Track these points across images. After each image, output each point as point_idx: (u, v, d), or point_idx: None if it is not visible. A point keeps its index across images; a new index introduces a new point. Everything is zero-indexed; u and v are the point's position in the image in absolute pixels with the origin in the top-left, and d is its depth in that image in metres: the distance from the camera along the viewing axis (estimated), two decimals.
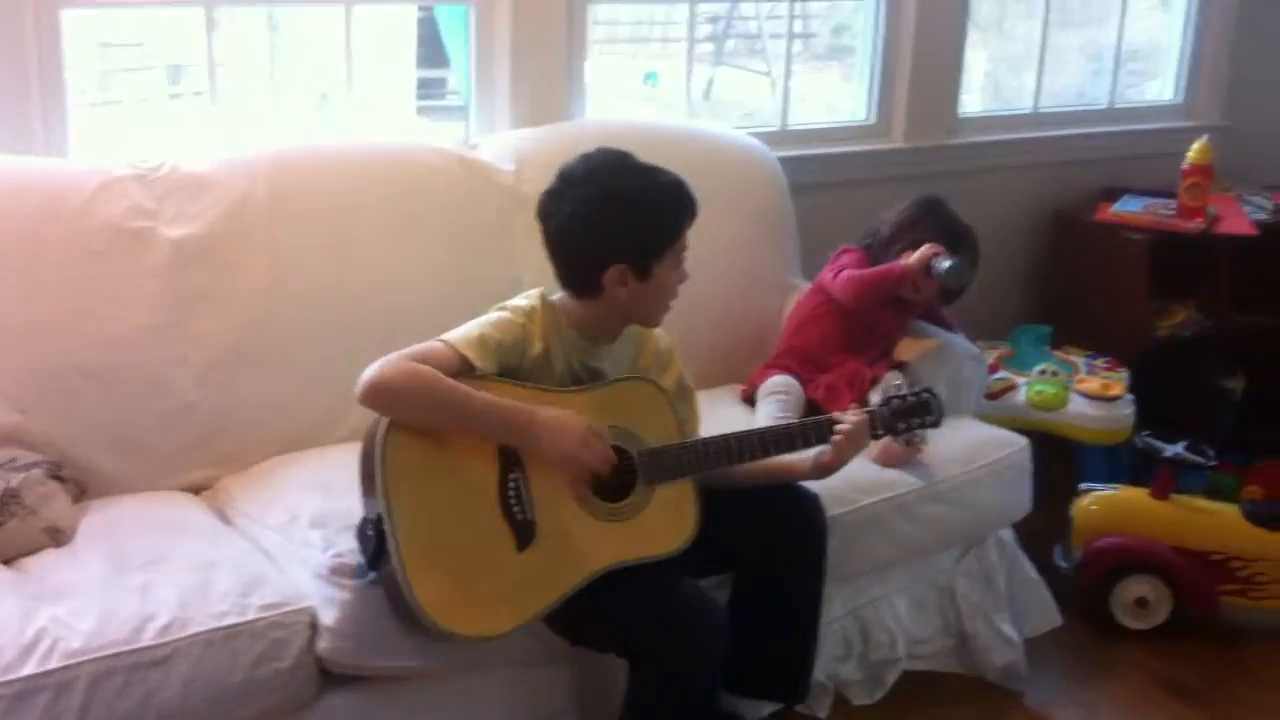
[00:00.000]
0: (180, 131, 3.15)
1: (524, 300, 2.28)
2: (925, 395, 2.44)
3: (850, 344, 2.97)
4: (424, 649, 2.17)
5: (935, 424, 2.47)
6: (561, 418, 2.13)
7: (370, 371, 2.07)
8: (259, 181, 2.69)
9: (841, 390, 2.89)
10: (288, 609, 2.11)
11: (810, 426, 2.37)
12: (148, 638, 1.99)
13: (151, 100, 4.62)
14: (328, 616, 2.12)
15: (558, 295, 2.30)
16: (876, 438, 2.43)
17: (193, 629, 2.02)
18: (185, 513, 2.43)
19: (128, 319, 2.51)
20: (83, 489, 2.42)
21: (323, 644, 2.11)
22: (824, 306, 3.03)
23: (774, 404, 2.83)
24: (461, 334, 2.17)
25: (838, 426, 2.35)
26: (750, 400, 2.96)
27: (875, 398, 2.77)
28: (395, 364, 2.07)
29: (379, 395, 2.07)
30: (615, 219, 2.19)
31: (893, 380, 2.81)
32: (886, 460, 2.71)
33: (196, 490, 2.56)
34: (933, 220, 3.00)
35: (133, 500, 2.44)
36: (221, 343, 2.58)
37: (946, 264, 2.86)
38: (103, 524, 2.32)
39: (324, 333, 2.67)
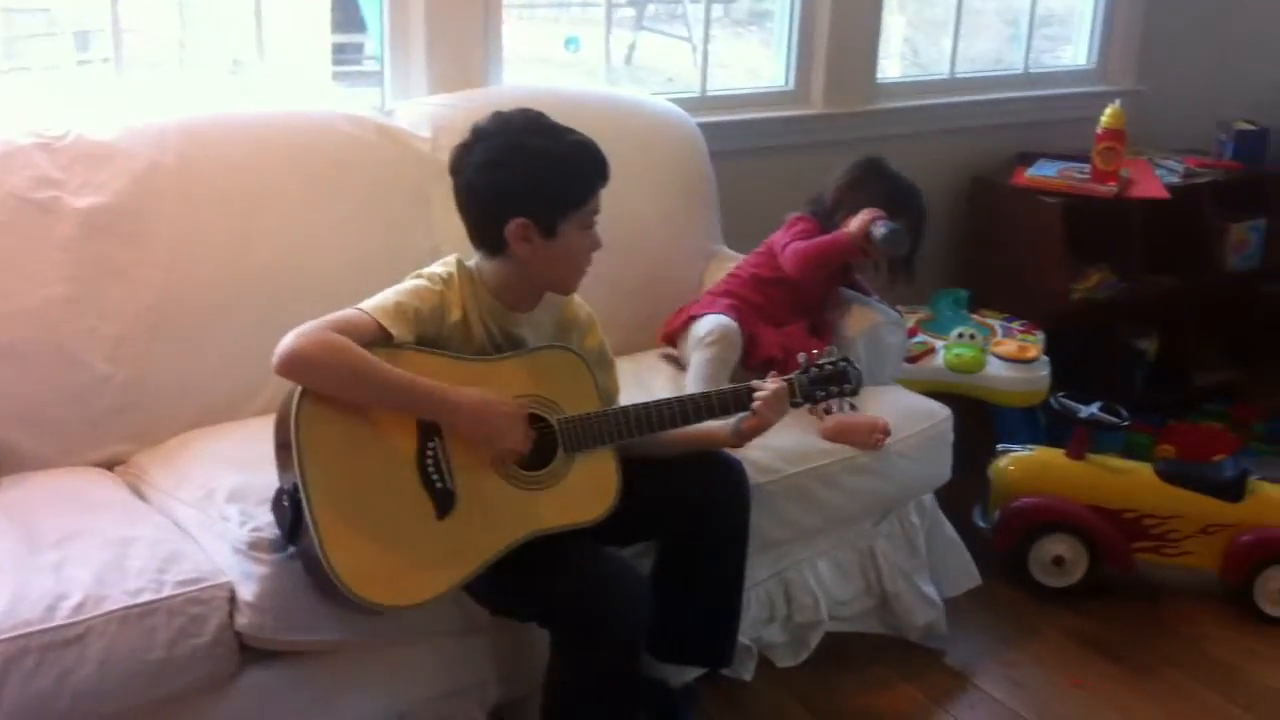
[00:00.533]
0: (88, 99, 3.07)
1: (441, 267, 2.26)
2: (843, 364, 2.45)
3: (799, 307, 2.99)
4: (344, 622, 2.15)
5: (853, 392, 2.48)
6: (480, 401, 2.12)
7: (287, 342, 2.04)
8: (168, 150, 2.63)
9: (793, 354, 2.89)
10: (205, 584, 2.08)
11: (729, 394, 2.37)
12: (61, 616, 1.95)
13: (59, 67, 4.50)
14: (246, 591, 2.09)
15: (473, 261, 2.29)
16: (795, 405, 2.44)
17: (108, 606, 1.99)
18: (99, 489, 2.38)
19: (35, 291, 2.45)
20: None
21: (242, 619, 2.09)
22: (770, 269, 3.02)
23: (705, 356, 2.80)
24: (378, 302, 2.15)
25: (757, 394, 2.35)
26: (670, 340, 2.98)
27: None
28: (313, 335, 2.04)
29: (295, 366, 2.04)
30: (519, 171, 2.18)
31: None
32: (840, 437, 2.72)
33: (110, 466, 2.51)
34: (874, 183, 3.02)
35: (45, 477, 2.39)
36: (132, 314, 2.53)
37: (882, 230, 2.87)
38: (14, 501, 2.27)
39: (237, 304, 2.63)
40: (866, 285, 3.17)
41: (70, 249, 2.49)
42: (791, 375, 2.42)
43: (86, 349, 2.49)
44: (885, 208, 2.94)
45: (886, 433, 2.72)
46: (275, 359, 2.04)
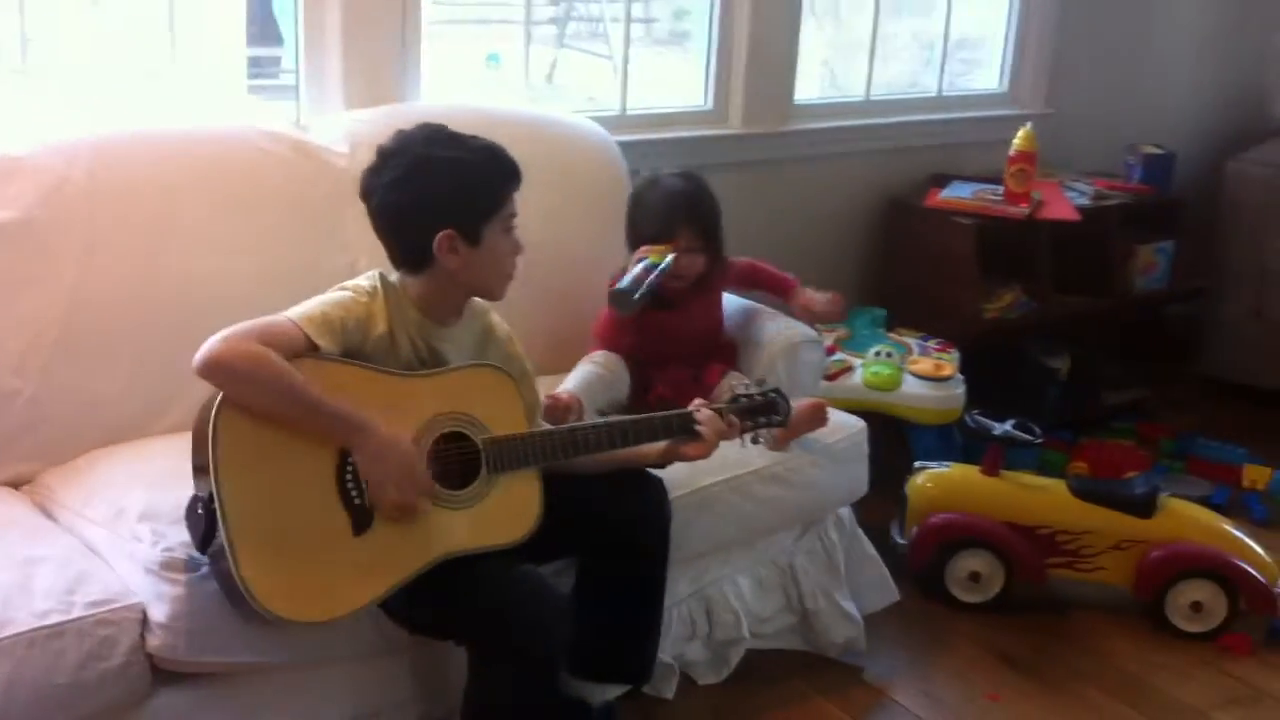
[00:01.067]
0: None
1: (365, 280, 2.24)
2: (773, 395, 2.47)
3: (657, 350, 2.92)
4: (259, 644, 2.12)
5: (782, 423, 2.50)
6: (390, 443, 2.08)
7: (212, 345, 2.01)
8: (77, 165, 2.57)
9: (685, 386, 2.88)
10: (115, 605, 2.03)
11: (667, 420, 2.37)
12: None
13: None
14: (158, 612, 2.05)
15: (395, 276, 2.27)
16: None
17: (14, 629, 1.93)
18: (4, 507, 2.32)
19: None
20: None
21: (153, 641, 2.04)
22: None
23: (586, 374, 2.79)
24: (305, 311, 2.12)
25: (700, 426, 2.36)
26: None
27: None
28: (238, 342, 2.01)
29: (216, 371, 2.01)
30: (436, 183, 2.19)
31: (736, 379, 2.84)
32: (796, 432, 2.72)
33: (16, 484, 2.45)
34: (646, 202, 2.95)
35: None
36: (39, 329, 2.47)
37: (610, 296, 2.75)
38: None
39: (147, 321, 2.57)
40: (787, 280, 3.15)
41: None
42: (721, 405, 2.43)
43: None
44: (653, 233, 2.86)
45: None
46: (197, 360, 2.00)
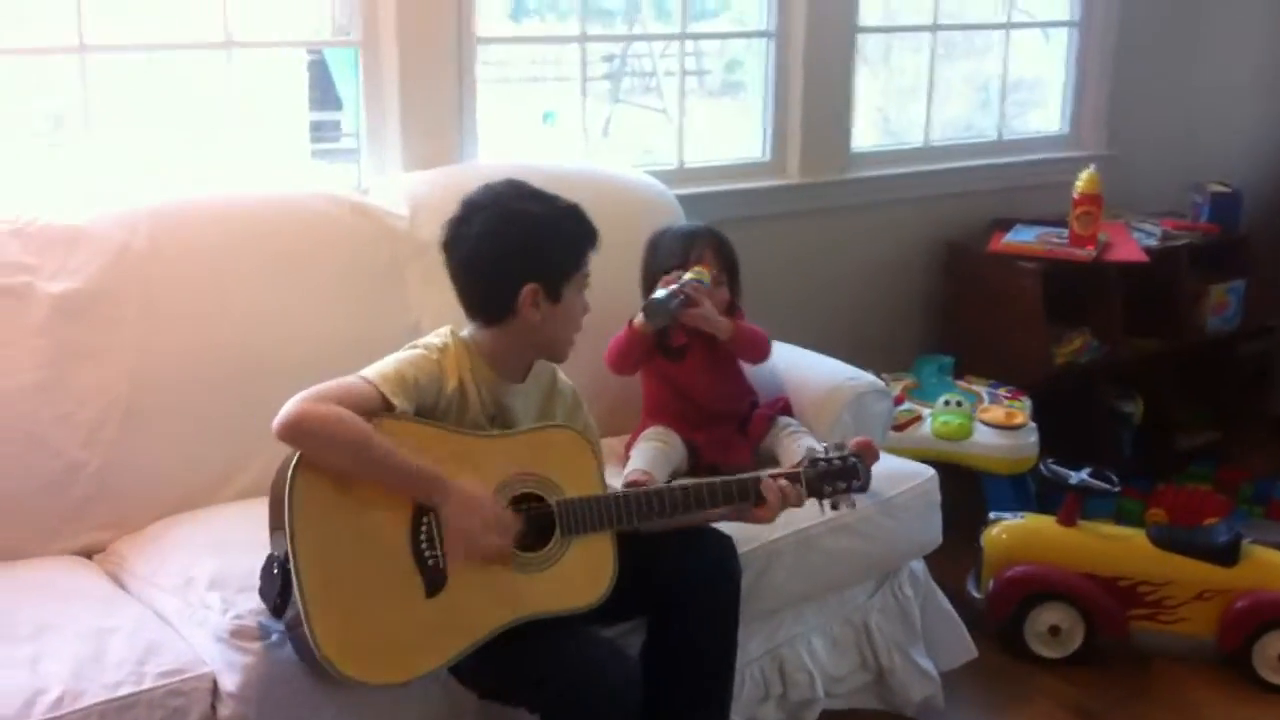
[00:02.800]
0: (60, 182, 3.06)
1: (436, 338, 2.25)
2: (853, 460, 2.40)
3: (684, 404, 2.89)
4: (327, 712, 2.09)
5: (862, 489, 2.44)
6: (472, 497, 2.09)
7: (290, 406, 2.01)
8: (139, 233, 2.60)
9: (730, 440, 2.86)
10: (186, 675, 2.02)
11: (734, 484, 2.34)
12: (39, 712, 1.89)
13: (30, 150, 4.48)
14: (229, 682, 2.03)
15: (466, 331, 2.28)
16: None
17: (87, 700, 1.93)
18: (76, 578, 2.33)
19: (7, 378, 2.41)
20: None
21: (224, 710, 2.03)
22: (646, 381, 2.96)
23: (649, 450, 2.78)
24: (380, 369, 2.13)
25: (766, 486, 2.31)
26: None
27: (792, 442, 2.77)
28: (316, 403, 2.02)
29: (296, 433, 2.01)
30: (526, 237, 2.21)
31: (796, 430, 2.83)
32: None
33: (88, 554, 2.45)
34: (657, 248, 2.94)
35: (20, 567, 2.34)
36: (107, 400, 2.48)
37: (644, 309, 2.77)
38: None
39: (212, 388, 2.58)
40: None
41: (43, 335, 2.46)
42: (799, 469, 2.39)
43: (60, 436, 2.44)
44: (677, 262, 2.86)
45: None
46: (276, 423, 2.01)
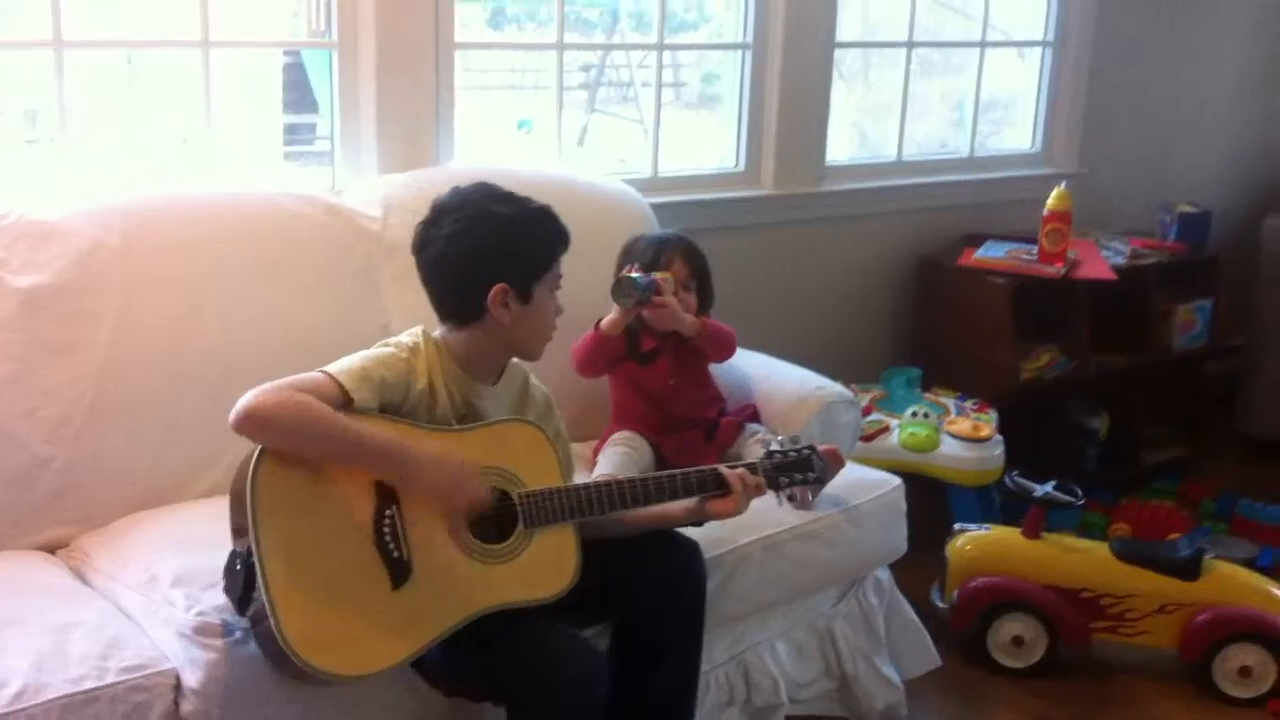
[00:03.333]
0: (34, 179, 3.05)
1: (408, 337, 2.26)
2: (807, 452, 2.44)
3: (652, 408, 2.91)
4: (291, 710, 2.08)
5: (818, 480, 2.47)
6: (440, 454, 2.10)
7: (247, 398, 2.01)
8: (112, 230, 2.59)
9: (697, 446, 2.87)
10: (149, 671, 2.01)
11: (694, 476, 2.35)
12: (0, 705, 1.88)
13: (4, 145, 4.46)
14: (192, 678, 2.02)
15: (438, 332, 2.28)
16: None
17: (48, 694, 1.92)
18: (39, 573, 2.32)
19: None
20: None
21: (187, 706, 2.02)
22: (615, 386, 2.98)
23: (615, 455, 2.79)
24: (343, 366, 2.13)
25: (730, 477, 2.34)
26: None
27: (758, 450, 2.78)
28: (274, 392, 2.02)
29: (253, 422, 2.00)
30: (494, 238, 2.22)
31: (765, 435, 2.84)
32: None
33: (52, 549, 2.44)
34: (633, 252, 2.96)
35: None
36: (73, 395, 2.48)
37: (611, 287, 2.78)
38: None
39: (180, 385, 2.58)
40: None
41: (10, 328, 2.45)
42: (755, 461, 2.41)
43: (26, 430, 2.43)
44: (646, 263, 2.87)
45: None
46: (233, 415, 2.00)
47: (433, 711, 2.27)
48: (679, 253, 2.92)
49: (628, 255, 2.97)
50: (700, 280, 2.94)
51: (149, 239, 2.62)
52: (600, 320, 2.84)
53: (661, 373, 2.91)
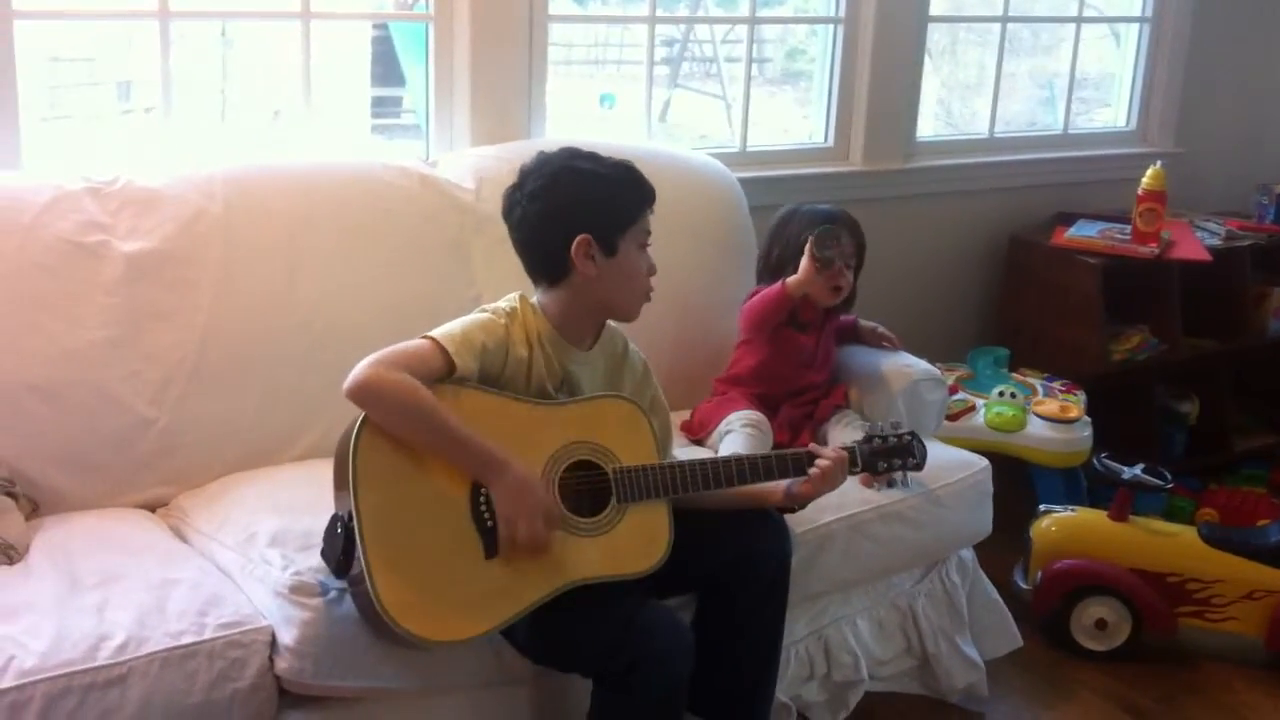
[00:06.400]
0: (130, 148, 3.11)
1: (505, 303, 2.29)
2: (908, 438, 2.44)
3: (785, 375, 2.95)
4: (384, 670, 2.13)
5: (917, 467, 2.48)
6: (524, 483, 2.11)
7: (362, 370, 2.06)
8: (215, 197, 2.65)
9: (800, 424, 2.90)
10: (246, 628, 2.07)
11: (789, 458, 2.36)
12: (103, 657, 1.94)
13: (102, 116, 4.56)
14: (287, 636, 2.07)
15: (535, 297, 2.31)
16: (854, 473, 2.44)
17: (149, 648, 1.98)
18: (141, 530, 2.38)
19: (80, 334, 2.46)
20: (35, 506, 2.38)
21: (282, 664, 2.07)
22: (748, 342, 3.00)
23: (744, 437, 2.79)
24: (446, 331, 2.17)
25: (818, 461, 2.35)
26: (696, 440, 2.92)
27: (844, 432, 2.80)
28: (389, 370, 2.06)
29: (364, 396, 2.06)
30: (574, 190, 2.25)
31: (850, 418, 2.87)
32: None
33: (152, 508, 2.51)
34: (795, 220, 2.99)
35: (86, 517, 2.39)
36: (175, 359, 2.54)
37: (813, 237, 2.80)
38: (57, 541, 2.27)
39: (279, 350, 2.64)
40: (895, 340, 3.13)
41: (116, 293, 2.51)
42: (854, 443, 2.41)
43: (129, 392, 2.50)
44: (797, 246, 2.89)
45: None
46: (348, 383, 2.05)
47: (520, 679, 2.31)
48: (846, 227, 2.93)
49: (785, 226, 3.00)
50: (859, 259, 2.97)
51: (250, 207, 2.68)
52: (785, 279, 2.84)
53: (809, 345, 2.94)
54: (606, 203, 2.26)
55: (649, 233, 2.32)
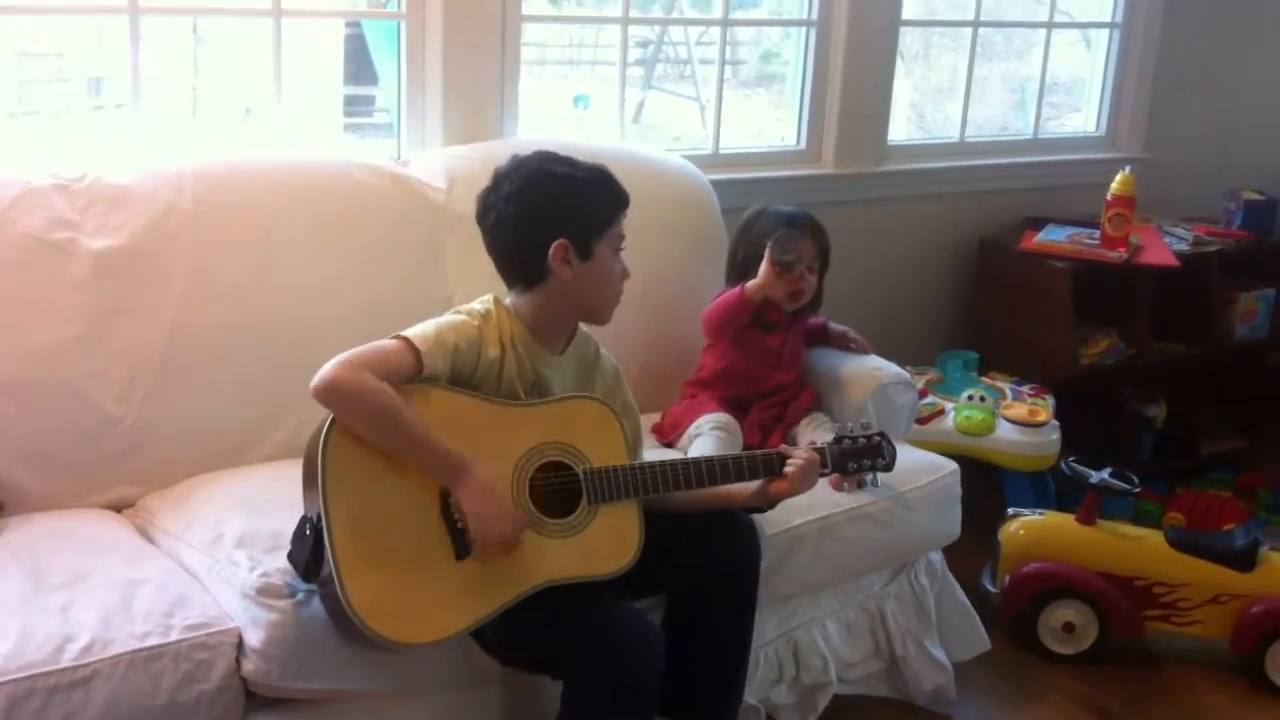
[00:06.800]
0: (100, 145, 3.09)
1: (479, 304, 2.28)
2: (877, 439, 2.46)
3: (752, 377, 2.96)
4: (351, 671, 2.13)
5: (887, 468, 2.49)
6: (486, 486, 2.11)
7: (330, 370, 2.05)
8: (184, 194, 2.63)
9: (770, 425, 2.91)
10: (213, 630, 2.06)
11: (759, 459, 2.37)
12: (68, 658, 1.93)
13: (71, 112, 4.52)
14: (254, 638, 2.06)
15: (509, 299, 2.31)
16: (824, 474, 2.45)
17: (114, 650, 1.97)
18: (107, 530, 2.37)
19: (47, 332, 2.44)
20: (0, 505, 2.35)
21: (248, 666, 2.06)
22: (713, 346, 3.01)
23: (714, 440, 2.79)
24: (419, 332, 2.16)
25: (790, 462, 2.36)
26: (667, 443, 2.92)
27: (815, 434, 2.80)
28: (357, 371, 2.05)
29: (333, 396, 2.04)
30: (551, 196, 2.25)
31: (820, 420, 2.89)
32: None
33: (119, 508, 2.49)
34: (760, 222, 3.00)
35: (52, 517, 2.38)
36: (143, 357, 2.52)
37: (772, 241, 2.82)
38: (21, 541, 2.25)
39: (248, 349, 2.62)
40: (863, 344, 3.14)
41: (84, 290, 2.49)
42: (824, 444, 2.42)
43: (97, 390, 2.48)
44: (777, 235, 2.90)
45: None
46: (315, 383, 2.04)
47: (489, 680, 2.30)
48: (808, 231, 2.94)
49: (750, 228, 3.01)
50: (823, 261, 2.97)
51: (219, 204, 2.66)
52: (745, 284, 2.86)
53: (775, 345, 2.95)
54: (582, 207, 2.27)
55: (623, 236, 2.32)
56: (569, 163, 2.29)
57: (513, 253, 2.28)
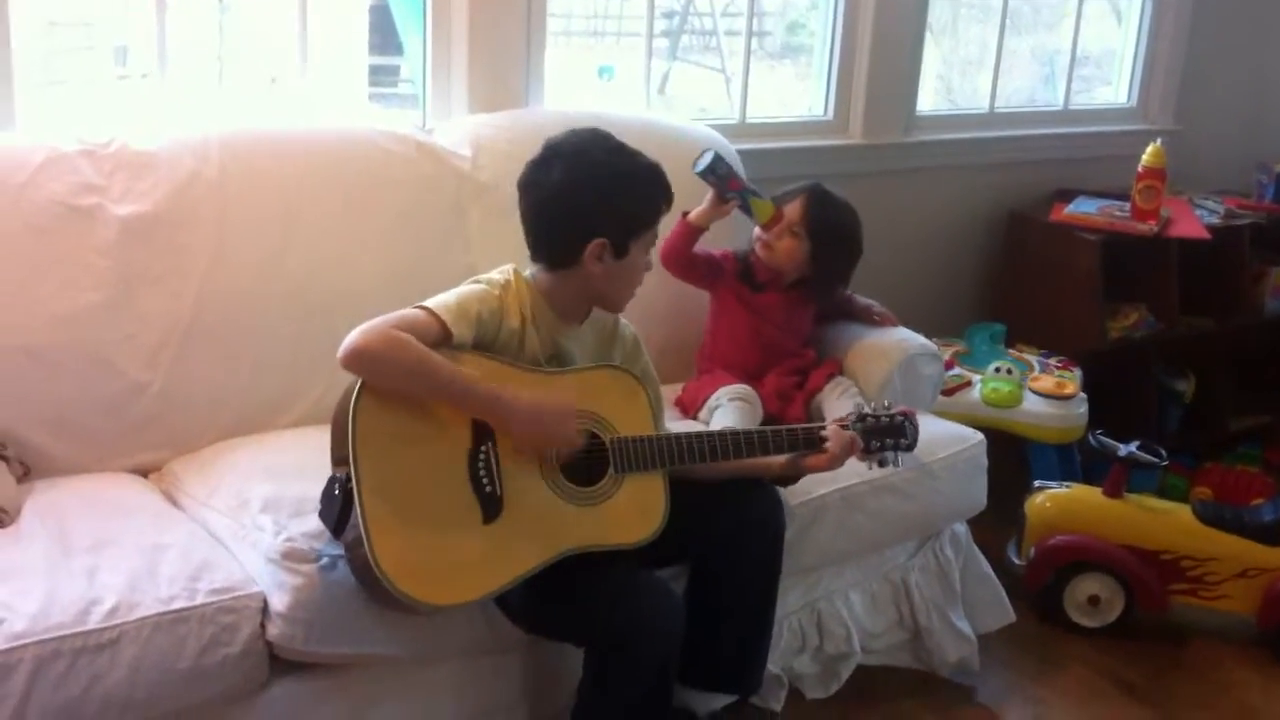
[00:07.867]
0: (126, 113, 3.09)
1: (499, 274, 2.27)
2: (900, 419, 2.43)
3: (751, 336, 2.94)
4: (375, 636, 2.14)
5: (909, 448, 2.46)
6: (535, 402, 2.13)
7: (353, 337, 2.05)
8: (210, 161, 2.63)
9: (790, 394, 2.89)
10: (238, 594, 2.07)
11: (785, 434, 2.37)
12: (94, 621, 1.94)
13: (98, 81, 4.53)
14: (279, 602, 2.07)
15: (529, 271, 2.30)
16: None
17: (140, 613, 1.98)
18: (133, 495, 2.38)
19: (74, 297, 2.45)
20: (27, 469, 2.37)
21: (273, 630, 2.07)
22: (719, 313, 3.00)
23: (734, 410, 2.78)
24: (441, 302, 2.16)
25: (828, 443, 2.35)
26: (690, 415, 2.90)
27: (841, 400, 2.78)
28: (378, 331, 2.05)
29: (360, 360, 2.05)
30: (604, 192, 2.22)
31: (845, 385, 2.87)
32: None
33: (144, 472, 2.50)
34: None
35: (79, 481, 2.39)
36: (170, 322, 2.53)
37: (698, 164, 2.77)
38: (48, 505, 2.27)
39: (273, 315, 2.63)
40: (891, 318, 3.12)
41: (110, 255, 2.49)
42: (846, 422, 2.40)
43: (123, 356, 2.49)
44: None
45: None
46: (341, 351, 2.05)
47: (511, 648, 2.32)
48: (803, 195, 2.91)
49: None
50: (818, 241, 2.89)
51: (245, 171, 2.66)
52: (686, 212, 2.81)
53: (772, 304, 2.92)
54: (630, 209, 2.25)
55: (658, 235, 2.32)
56: (626, 154, 2.26)
57: (550, 236, 2.27)
